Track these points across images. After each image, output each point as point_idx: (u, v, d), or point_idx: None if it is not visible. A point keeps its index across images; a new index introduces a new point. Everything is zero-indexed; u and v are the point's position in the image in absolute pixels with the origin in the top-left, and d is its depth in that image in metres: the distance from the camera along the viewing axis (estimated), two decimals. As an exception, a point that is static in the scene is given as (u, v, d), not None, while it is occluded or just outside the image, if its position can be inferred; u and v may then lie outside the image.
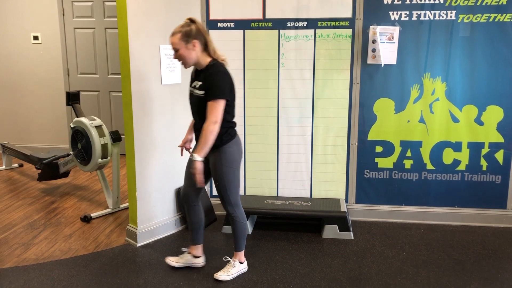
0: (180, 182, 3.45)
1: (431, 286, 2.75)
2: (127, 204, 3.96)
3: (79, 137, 3.79)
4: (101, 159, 3.74)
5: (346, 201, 3.73)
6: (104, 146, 3.73)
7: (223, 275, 2.78)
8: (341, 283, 2.78)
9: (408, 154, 3.62)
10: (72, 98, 4.13)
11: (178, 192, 3.51)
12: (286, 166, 3.77)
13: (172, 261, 2.94)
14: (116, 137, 3.78)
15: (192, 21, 2.55)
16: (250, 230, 3.50)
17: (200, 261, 2.95)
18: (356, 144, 3.65)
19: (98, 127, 3.74)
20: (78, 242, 3.38)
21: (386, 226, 3.62)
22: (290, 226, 3.60)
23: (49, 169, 4.38)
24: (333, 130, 3.66)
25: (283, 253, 3.18)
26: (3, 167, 5.32)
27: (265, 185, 3.82)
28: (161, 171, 3.37)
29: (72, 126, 3.83)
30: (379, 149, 3.65)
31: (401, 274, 2.88)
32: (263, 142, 3.75)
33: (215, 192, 3.85)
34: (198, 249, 2.96)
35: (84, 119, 3.76)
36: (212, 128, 2.50)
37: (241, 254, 2.86)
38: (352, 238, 3.40)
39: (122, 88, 3.17)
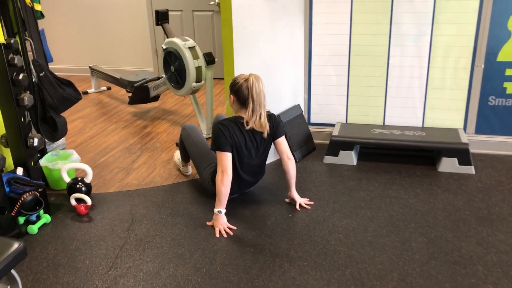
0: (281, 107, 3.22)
1: None
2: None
3: (172, 59, 3.59)
4: (196, 83, 3.54)
5: (464, 131, 3.31)
6: (198, 69, 3.51)
7: None
8: (470, 223, 2.48)
9: (546, 78, 3.09)
10: (162, 17, 3.89)
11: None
12: (396, 92, 3.37)
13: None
14: (210, 59, 3.54)
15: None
16: (354, 161, 3.23)
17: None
18: (482, 66, 3.16)
19: (191, 48, 3.50)
20: (176, 168, 3.29)
21: (510, 160, 3.20)
22: (398, 158, 3.28)
23: (140, 93, 4.29)
24: (455, 50, 3.18)
25: (396, 187, 2.90)
26: (93, 89, 5.33)
27: (370, 113, 3.47)
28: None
29: (164, 47, 3.62)
30: (509, 72, 3.13)
31: (540, 217, 2.52)
32: (370, 64, 3.35)
33: (313, 120, 3.59)
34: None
35: (177, 40, 3.53)
36: (221, 178, 2.47)
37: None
38: (474, 173, 3.03)
39: (221, 3, 2.86)
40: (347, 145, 3.22)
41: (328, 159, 3.27)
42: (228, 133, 2.51)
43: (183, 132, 3.03)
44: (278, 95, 3.26)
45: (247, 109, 2.52)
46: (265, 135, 2.58)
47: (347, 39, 3.34)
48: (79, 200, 2.75)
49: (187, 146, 2.98)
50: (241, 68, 2.97)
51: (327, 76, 3.47)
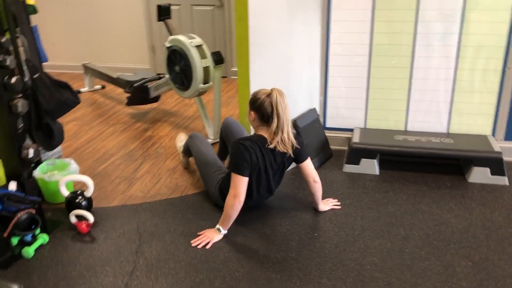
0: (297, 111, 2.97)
1: None
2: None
3: (176, 58, 3.31)
4: (203, 84, 3.26)
5: (493, 137, 3.09)
6: (206, 70, 3.24)
7: None
8: (515, 243, 2.26)
9: None
10: (164, 12, 3.60)
11: (293, 123, 3.01)
12: (420, 95, 3.14)
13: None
14: (218, 58, 3.26)
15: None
16: (377, 170, 2.99)
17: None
18: (515, 68, 2.94)
19: (198, 47, 3.22)
20: (184, 178, 3.02)
21: (543, 169, 2.99)
22: (422, 166, 3.05)
23: (139, 93, 4.00)
24: (485, 50, 2.95)
25: (427, 200, 2.66)
26: (86, 88, 5.02)
27: (391, 117, 3.24)
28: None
29: (167, 45, 3.34)
30: (544, 74, 2.92)
31: None
32: (392, 65, 3.11)
33: (329, 124, 3.35)
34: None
35: (182, 37, 3.25)
36: (232, 202, 2.28)
37: None
38: (507, 184, 2.81)
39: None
40: (370, 153, 2.98)
41: (348, 168, 3.02)
42: (250, 156, 2.29)
43: (190, 140, 2.87)
44: (294, 98, 3.00)
45: (269, 126, 2.31)
46: (291, 153, 2.38)
47: (367, 38, 3.09)
48: (79, 217, 2.47)
49: (194, 156, 2.82)
50: (256, 70, 2.71)
51: (345, 77, 3.22)
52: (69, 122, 4.06)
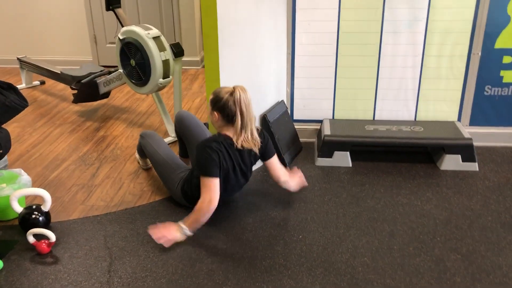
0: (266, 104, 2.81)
1: None
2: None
3: (132, 51, 3.04)
4: (163, 78, 3.03)
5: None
6: (166, 63, 3.00)
7: None
8: (497, 231, 2.26)
9: (544, 65, 2.94)
10: (113, 1, 3.30)
11: (263, 118, 2.86)
12: (388, 83, 3.09)
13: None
14: (178, 50, 3.03)
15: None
16: (350, 163, 2.92)
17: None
18: (479, 54, 2.95)
19: (156, 39, 2.98)
20: (149, 182, 2.79)
21: (507, 152, 3.05)
22: (393, 155, 3.02)
23: (88, 90, 3.68)
24: (452, 36, 2.94)
25: (404, 191, 2.63)
26: (23, 85, 4.58)
27: (359, 107, 3.17)
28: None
29: (120, 37, 3.06)
30: (507, 59, 2.95)
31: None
32: (361, 53, 3.03)
33: (296, 116, 3.23)
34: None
35: (137, 28, 2.98)
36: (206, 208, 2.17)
37: None
38: (477, 169, 2.84)
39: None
40: (343, 146, 2.90)
41: (321, 161, 2.93)
42: (218, 158, 2.18)
43: (142, 140, 2.69)
44: (263, 91, 2.86)
45: (234, 125, 2.20)
46: (256, 151, 2.29)
47: (335, 26, 2.98)
48: (38, 235, 2.19)
49: (148, 157, 2.66)
50: (226, 62, 2.52)
51: (312, 67, 3.11)
52: (8, 124, 3.64)
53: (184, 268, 2.05)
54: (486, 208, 2.45)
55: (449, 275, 1.98)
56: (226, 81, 2.55)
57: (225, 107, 2.18)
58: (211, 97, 2.25)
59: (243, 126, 2.20)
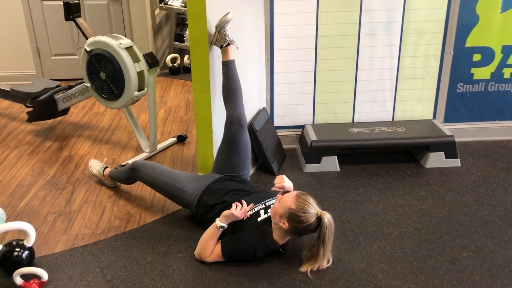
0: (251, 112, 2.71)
1: None
2: (165, 145, 3.20)
3: (101, 63, 2.81)
4: (138, 91, 2.83)
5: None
6: (141, 74, 2.81)
7: None
8: (497, 225, 2.32)
9: (510, 61, 3.08)
10: (73, 10, 3.04)
11: (250, 127, 2.75)
12: (366, 85, 3.10)
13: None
14: (153, 61, 2.85)
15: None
16: (338, 167, 2.89)
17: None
18: (452, 53, 3.04)
19: (128, 49, 2.78)
20: (133, 202, 2.59)
21: (480, 146, 3.17)
22: (376, 157, 3.03)
23: (45, 107, 3.37)
24: (426, 37, 3.00)
25: (398, 192, 2.64)
26: (-39, 105, 4.13)
27: (339, 110, 3.16)
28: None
29: (87, 49, 2.82)
30: (477, 57, 3.07)
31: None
32: (339, 57, 3.02)
33: (277, 123, 3.17)
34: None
35: (106, 39, 2.76)
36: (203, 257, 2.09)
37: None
38: (460, 165, 2.91)
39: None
40: (330, 150, 2.86)
41: (310, 168, 2.88)
42: (246, 257, 2.05)
43: (135, 173, 2.44)
44: (248, 99, 2.75)
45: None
46: None
47: (313, 30, 2.95)
48: (25, 275, 1.94)
49: (148, 185, 2.45)
50: (217, 71, 2.40)
51: (292, 72, 3.05)
52: (-46, 149, 3.28)
53: (199, 295, 1.90)
54: (479, 203, 2.52)
55: (467, 274, 1.99)
56: (217, 91, 2.43)
57: (304, 229, 1.99)
58: (292, 210, 1.96)
59: (324, 255, 1.99)
